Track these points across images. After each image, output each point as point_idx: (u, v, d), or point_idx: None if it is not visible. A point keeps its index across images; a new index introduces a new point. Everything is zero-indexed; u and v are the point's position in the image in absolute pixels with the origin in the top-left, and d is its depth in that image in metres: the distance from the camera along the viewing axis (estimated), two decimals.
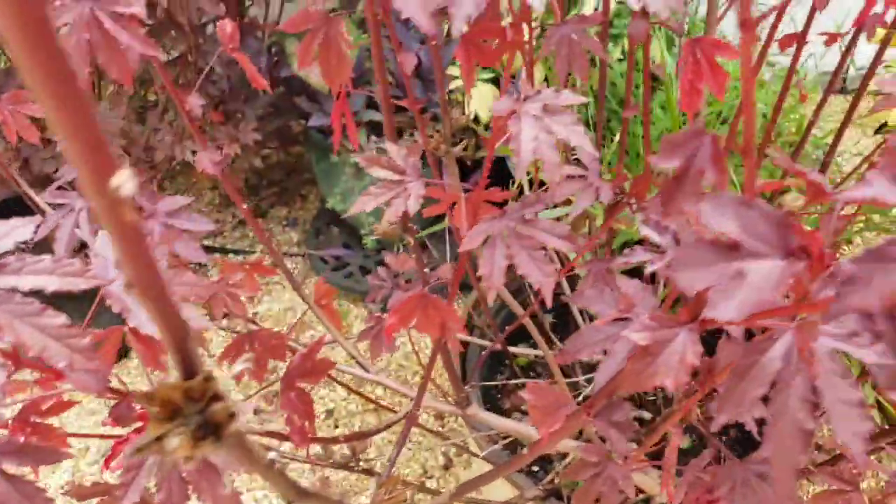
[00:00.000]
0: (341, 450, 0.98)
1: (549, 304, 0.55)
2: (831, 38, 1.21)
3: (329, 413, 1.75)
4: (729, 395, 0.40)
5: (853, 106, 0.98)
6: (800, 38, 1.09)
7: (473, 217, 0.62)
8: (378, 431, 0.81)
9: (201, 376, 0.27)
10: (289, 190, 2.23)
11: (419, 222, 1.64)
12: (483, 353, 0.97)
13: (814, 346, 0.40)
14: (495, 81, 1.91)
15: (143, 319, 0.49)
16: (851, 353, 0.40)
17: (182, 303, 0.50)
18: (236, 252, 2.09)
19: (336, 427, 1.73)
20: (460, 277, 0.61)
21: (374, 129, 1.82)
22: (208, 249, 2.11)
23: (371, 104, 1.82)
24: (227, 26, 0.85)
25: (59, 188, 0.79)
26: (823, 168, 1.13)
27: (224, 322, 1.07)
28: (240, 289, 0.88)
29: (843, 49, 1.18)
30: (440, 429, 1.75)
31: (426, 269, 0.79)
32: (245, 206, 0.90)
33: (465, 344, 1.35)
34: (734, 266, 0.31)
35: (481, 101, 1.90)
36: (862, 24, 0.80)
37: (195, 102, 0.82)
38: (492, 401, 1.43)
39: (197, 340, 0.94)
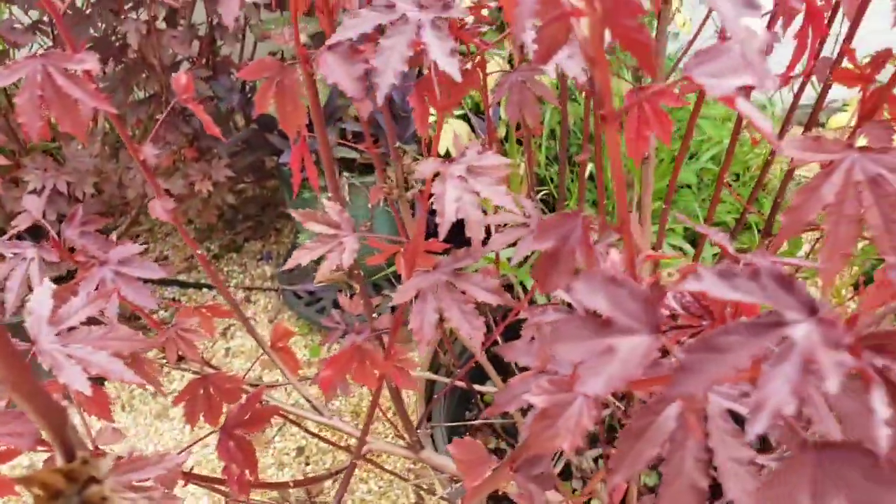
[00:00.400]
0: (297, 493, 0.98)
1: (478, 355, 0.56)
2: (785, 80, 1.25)
3: (300, 451, 1.74)
4: (624, 455, 0.41)
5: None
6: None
7: (411, 268, 0.64)
8: (328, 477, 0.82)
9: (80, 459, 0.28)
10: (264, 224, 2.24)
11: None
12: (436, 395, 0.98)
13: (706, 408, 0.42)
14: (467, 117, 1.94)
15: (73, 375, 0.50)
16: (742, 413, 0.41)
17: (112, 358, 0.51)
18: (210, 287, 2.10)
19: (307, 464, 1.72)
20: (398, 328, 0.63)
21: (347, 165, 1.85)
22: (182, 284, 2.12)
23: (344, 139, 1.85)
24: (182, 77, 0.87)
25: (12, 237, 0.80)
26: (774, 210, 1.17)
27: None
28: (194, 334, 0.89)
29: (796, 90, 1.23)
30: (413, 465, 1.74)
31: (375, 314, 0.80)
32: (200, 252, 0.92)
33: (432, 382, 1.36)
34: (606, 341, 0.33)
35: (452, 136, 1.93)
36: (796, 71, 0.83)
37: (149, 153, 0.84)
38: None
39: (154, 381, 0.94)
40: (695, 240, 1.64)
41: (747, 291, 0.26)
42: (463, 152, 0.56)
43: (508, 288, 1.53)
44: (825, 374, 0.23)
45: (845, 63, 0.91)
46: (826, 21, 0.79)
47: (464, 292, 0.58)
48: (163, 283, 2.12)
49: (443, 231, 0.50)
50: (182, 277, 2.15)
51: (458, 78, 0.47)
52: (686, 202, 1.59)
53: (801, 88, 1.17)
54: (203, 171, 1.79)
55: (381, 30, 0.55)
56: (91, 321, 0.65)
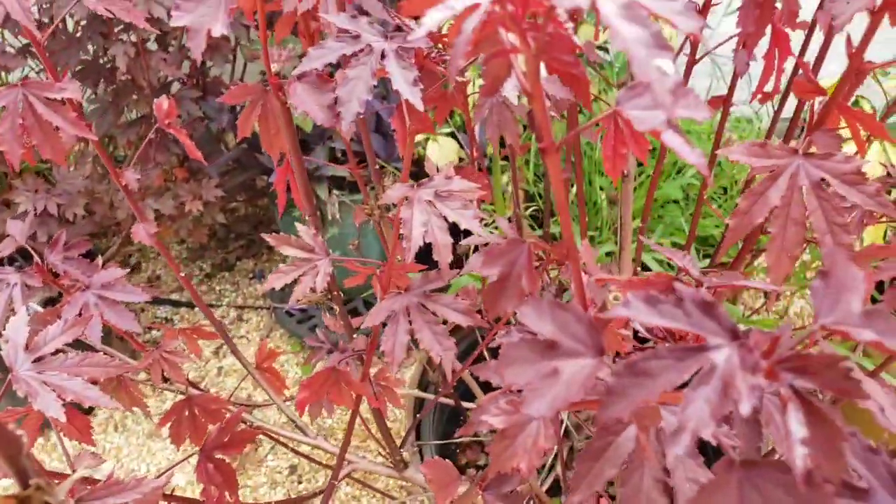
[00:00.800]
0: None
1: (449, 377, 0.57)
2: (764, 97, 1.27)
3: (293, 469, 1.74)
4: (583, 475, 0.42)
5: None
6: (725, 101, 1.15)
7: (385, 290, 0.65)
8: (312, 496, 0.82)
9: (33, 485, 0.29)
10: (255, 242, 2.25)
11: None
12: (420, 414, 0.99)
13: (664, 427, 0.43)
14: (455, 135, 1.96)
15: (47, 402, 0.51)
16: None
17: (87, 384, 0.52)
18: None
19: (300, 482, 1.72)
20: (374, 349, 0.64)
21: (337, 183, 1.86)
22: (175, 304, 2.12)
23: (332, 159, 1.86)
24: (164, 102, 0.88)
25: None
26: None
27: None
28: (178, 356, 0.89)
29: (776, 108, 1.25)
30: (405, 483, 1.74)
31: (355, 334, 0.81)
32: (182, 275, 0.93)
33: (423, 399, 1.37)
34: (551, 364, 0.34)
35: (441, 153, 1.95)
36: (763, 91, 0.85)
37: (131, 178, 0.85)
38: (450, 456, 1.44)
39: (140, 404, 0.95)
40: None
41: (672, 317, 0.28)
42: (431, 177, 0.57)
43: None
44: (740, 397, 0.24)
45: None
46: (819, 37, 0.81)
47: (435, 314, 0.59)
48: (156, 301, 2.12)
49: (409, 255, 0.51)
50: (175, 296, 2.16)
51: (419, 107, 0.48)
52: (672, 217, 1.60)
53: (782, 103, 1.19)
54: (193, 190, 1.80)
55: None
56: (78, 344, 0.66)
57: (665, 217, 1.62)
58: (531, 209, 1.85)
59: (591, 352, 0.34)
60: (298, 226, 0.64)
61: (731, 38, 0.71)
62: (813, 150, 0.58)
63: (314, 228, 0.73)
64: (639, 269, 1.04)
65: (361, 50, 0.52)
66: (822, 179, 0.52)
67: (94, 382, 0.53)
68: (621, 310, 0.28)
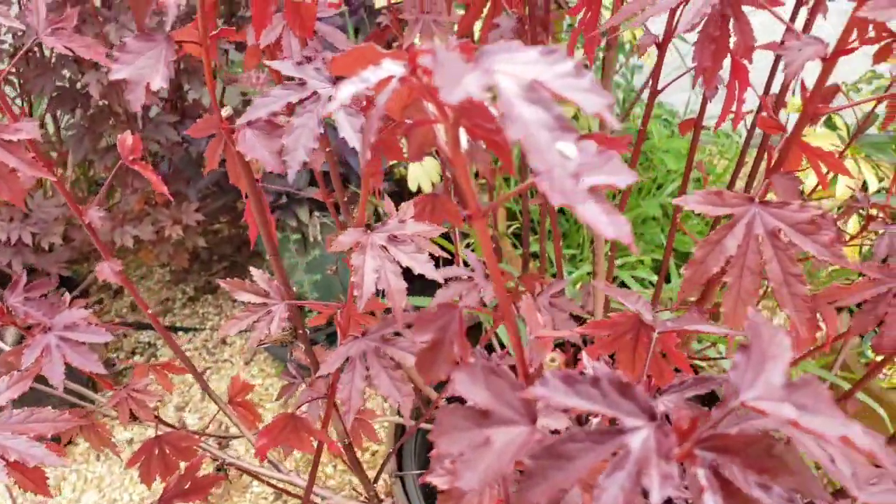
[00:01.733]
0: None
1: (407, 420, 0.57)
2: (737, 118, 1.27)
3: (278, 495, 1.73)
4: None
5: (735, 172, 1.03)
6: (696, 123, 1.15)
7: (345, 332, 0.64)
8: None
9: None
10: (239, 264, 2.24)
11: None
12: (393, 448, 0.98)
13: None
14: (437, 154, 1.96)
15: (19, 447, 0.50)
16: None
17: (33, 442, 0.51)
18: (185, 330, 2.09)
19: None
20: (334, 395, 0.63)
21: (318, 204, 1.86)
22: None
23: (314, 181, 1.86)
24: (128, 139, 0.88)
25: None
26: None
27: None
28: (147, 394, 0.88)
29: (749, 127, 1.25)
30: None
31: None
32: (150, 311, 0.92)
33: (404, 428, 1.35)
34: (484, 433, 0.33)
35: (423, 172, 1.95)
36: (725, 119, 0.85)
37: (94, 216, 0.84)
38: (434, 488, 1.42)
39: (108, 444, 0.93)
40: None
41: (589, 398, 0.27)
42: (385, 221, 0.56)
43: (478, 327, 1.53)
44: (652, 486, 0.23)
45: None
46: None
47: (393, 358, 0.58)
48: (139, 326, 2.11)
49: (361, 303, 0.51)
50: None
51: (367, 155, 0.48)
52: (652, 234, 1.60)
53: (752, 130, 1.19)
54: (173, 215, 1.79)
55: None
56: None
57: (645, 234, 1.62)
58: (512, 227, 1.85)
59: (525, 420, 0.33)
60: (252, 270, 0.64)
61: (688, 70, 0.70)
62: (771, 195, 0.58)
63: (277, 268, 0.72)
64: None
65: (307, 97, 0.52)
66: (778, 228, 0.52)
67: (41, 438, 0.52)
68: (539, 389, 0.27)
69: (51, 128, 1.94)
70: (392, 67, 0.29)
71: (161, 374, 0.98)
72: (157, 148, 1.75)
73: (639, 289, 1.47)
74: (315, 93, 0.52)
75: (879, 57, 0.95)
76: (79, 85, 1.71)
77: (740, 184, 1.91)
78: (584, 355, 0.47)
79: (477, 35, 1.06)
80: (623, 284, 1.52)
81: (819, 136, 1.44)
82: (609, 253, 1.02)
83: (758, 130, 1.14)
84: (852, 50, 0.50)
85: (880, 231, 0.82)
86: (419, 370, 0.36)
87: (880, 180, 1.45)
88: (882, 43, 1.01)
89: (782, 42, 0.61)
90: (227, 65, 1.93)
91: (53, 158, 1.90)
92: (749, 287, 0.52)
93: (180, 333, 2.09)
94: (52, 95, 1.66)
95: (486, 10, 0.99)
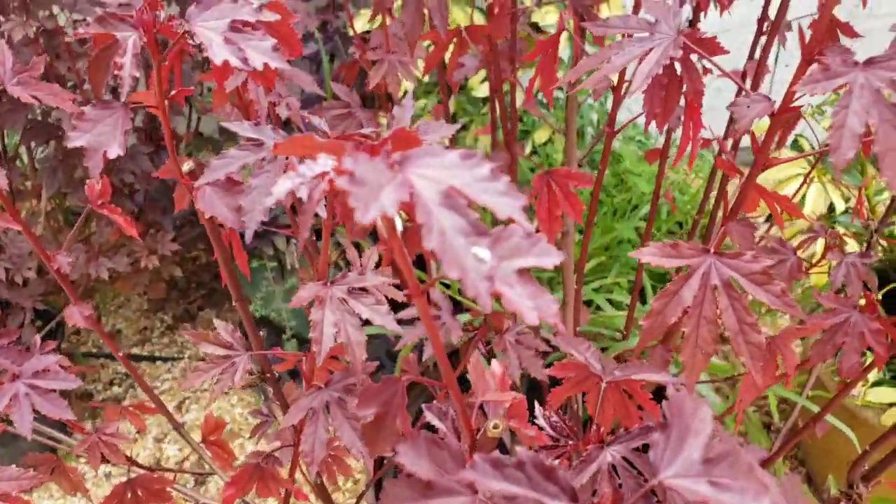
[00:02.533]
0: None
1: (370, 467, 0.57)
2: (705, 143, 1.30)
3: None
4: None
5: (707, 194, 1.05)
6: (662, 153, 1.17)
7: (309, 381, 0.65)
8: None
9: None
10: (217, 291, 2.24)
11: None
12: (370, 480, 0.98)
13: None
14: None
15: None
16: None
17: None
18: (164, 359, 2.08)
19: None
20: (299, 445, 0.64)
21: None
22: (135, 358, 2.10)
23: (293, 208, 1.86)
24: (97, 184, 0.88)
25: None
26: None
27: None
28: (118, 437, 0.88)
29: (715, 154, 1.28)
30: None
31: None
32: (121, 354, 0.92)
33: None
34: None
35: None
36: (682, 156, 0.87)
37: (63, 262, 0.84)
38: None
39: (80, 488, 0.93)
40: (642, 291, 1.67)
41: (516, 482, 0.28)
42: (345, 273, 0.57)
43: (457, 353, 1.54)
44: None
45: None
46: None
47: (350, 409, 0.59)
48: (115, 357, 2.09)
49: (319, 359, 0.51)
50: (136, 350, 2.14)
51: (304, 235, 0.49)
52: (627, 256, 1.62)
53: (713, 174, 1.23)
54: (149, 245, 1.79)
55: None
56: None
57: (620, 257, 1.64)
58: None
59: (467, 490, 0.34)
60: (216, 321, 0.64)
61: (637, 116, 0.72)
62: (729, 241, 0.59)
63: (243, 314, 0.73)
64: (578, 325, 1.05)
65: (265, 158, 0.53)
66: (733, 278, 0.53)
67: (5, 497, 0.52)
68: (470, 473, 0.28)
69: (25, 159, 1.93)
70: (325, 163, 0.30)
71: (133, 416, 0.98)
72: (132, 179, 1.75)
73: (613, 311, 1.48)
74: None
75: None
76: (51, 118, 1.71)
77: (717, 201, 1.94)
78: (538, 411, 0.48)
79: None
80: (598, 308, 1.53)
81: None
82: (576, 280, 1.04)
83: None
84: (797, 109, 0.52)
85: (835, 261, 0.84)
86: (365, 443, 0.37)
87: (846, 201, 1.48)
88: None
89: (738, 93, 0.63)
90: (201, 94, 1.94)
91: (27, 190, 1.89)
92: (707, 336, 0.53)
93: (159, 363, 2.08)
94: (25, 128, 1.65)
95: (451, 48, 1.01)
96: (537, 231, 1.03)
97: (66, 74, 1.57)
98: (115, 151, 0.49)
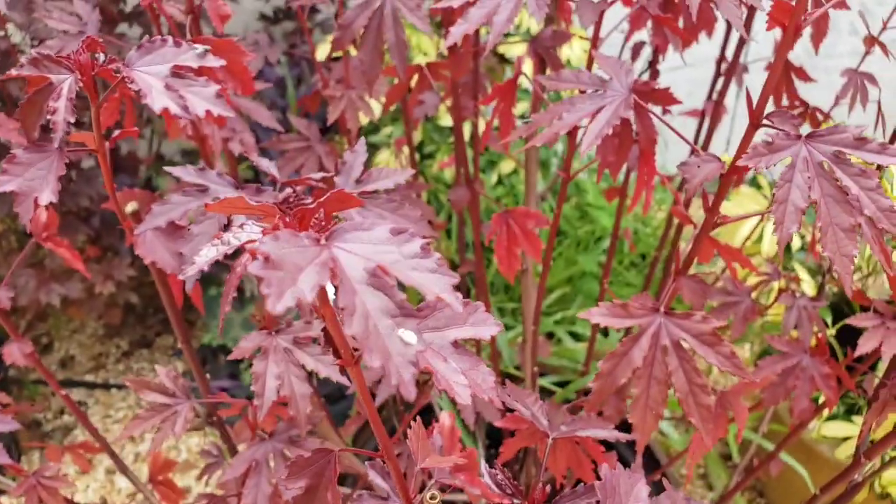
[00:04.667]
0: None
1: None
2: (646, 205, 1.31)
3: None
4: None
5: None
6: (621, 192, 1.18)
7: (253, 431, 0.63)
8: None
9: None
10: None
11: None
12: None
13: None
14: None
15: None
16: None
17: None
18: (119, 387, 2.02)
19: None
20: (241, 496, 0.61)
21: None
22: (89, 385, 2.03)
23: None
24: (42, 215, 0.85)
25: None
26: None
27: None
28: (58, 481, 0.84)
29: (676, 188, 1.30)
30: None
31: None
32: (63, 393, 0.88)
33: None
34: None
35: None
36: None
37: (3, 296, 0.81)
38: None
39: None
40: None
41: None
42: (290, 321, 0.56)
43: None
44: None
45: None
46: None
47: None
48: (69, 384, 2.02)
49: (261, 413, 0.50)
50: (90, 377, 2.07)
51: (226, 309, 0.47)
52: (590, 288, 1.63)
53: (669, 221, 1.25)
54: (104, 271, 1.74)
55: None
56: None
57: (583, 289, 1.64)
58: None
59: None
60: (158, 368, 0.62)
61: (591, 163, 0.73)
62: (680, 296, 0.59)
63: (189, 357, 0.71)
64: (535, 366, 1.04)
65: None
66: (683, 339, 0.53)
67: None
68: None
69: None
70: (252, 232, 0.29)
71: (78, 456, 0.94)
72: (87, 202, 1.71)
73: (573, 345, 1.48)
74: (217, 198, 0.51)
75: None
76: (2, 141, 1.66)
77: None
78: (483, 468, 0.47)
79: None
80: (559, 341, 1.53)
81: (744, 196, 1.50)
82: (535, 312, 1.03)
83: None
84: (746, 169, 0.52)
85: (787, 305, 0.85)
86: None
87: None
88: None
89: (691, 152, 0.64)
90: (160, 116, 1.91)
91: None
92: (657, 397, 0.53)
93: (114, 391, 2.01)
94: None
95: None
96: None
97: (20, 95, 1.53)
98: (47, 198, 0.47)
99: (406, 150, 1.25)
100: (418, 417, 0.41)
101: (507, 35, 1.91)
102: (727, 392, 0.68)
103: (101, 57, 0.46)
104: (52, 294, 1.63)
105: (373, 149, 1.81)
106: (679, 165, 0.58)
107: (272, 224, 0.28)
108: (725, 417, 0.68)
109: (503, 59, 1.96)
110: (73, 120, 0.44)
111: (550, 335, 1.56)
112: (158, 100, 0.43)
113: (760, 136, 0.57)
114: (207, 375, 0.79)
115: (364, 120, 1.36)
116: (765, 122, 0.55)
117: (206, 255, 0.29)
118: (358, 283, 0.25)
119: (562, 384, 1.42)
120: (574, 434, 0.50)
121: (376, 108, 1.14)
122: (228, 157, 0.82)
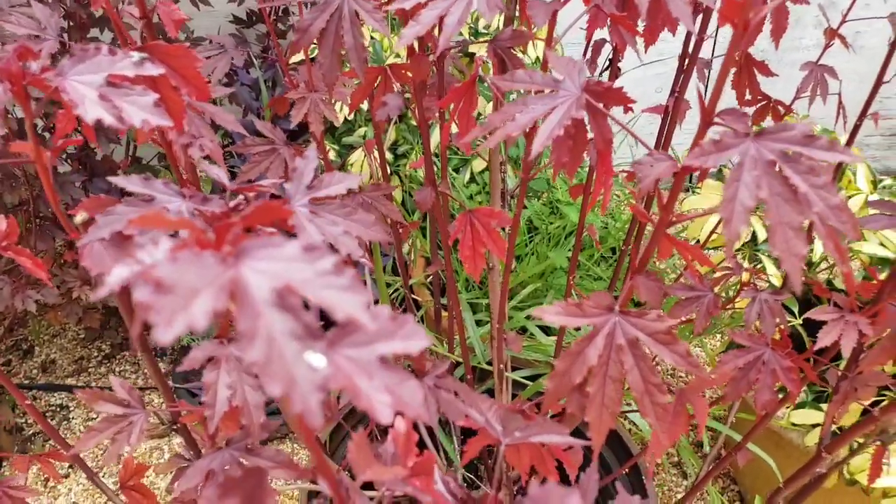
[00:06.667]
0: None
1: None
2: (604, 204, 1.32)
3: None
4: None
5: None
6: (585, 189, 1.19)
7: (212, 440, 0.63)
8: None
9: None
10: None
11: None
12: None
13: None
14: None
15: None
16: None
17: None
18: (100, 388, 2.00)
19: None
20: None
21: None
22: (70, 389, 2.02)
23: None
24: (2, 223, 0.84)
25: None
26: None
27: None
28: (25, 491, 0.84)
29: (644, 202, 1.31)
30: None
31: None
32: (28, 402, 0.88)
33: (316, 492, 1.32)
34: None
35: None
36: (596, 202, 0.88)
37: None
38: None
39: None
40: None
41: None
42: None
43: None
44: None
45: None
46: None
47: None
48: (50, 388, 2.01)
49: (211, 425, 0.49)
50: (70, 381, 2.06)
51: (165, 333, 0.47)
52: (560, 282, 1.63)
53: (648, 203, 1.25)
54: (81, 275, 1.73)
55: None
56: None
57: (554, 284, 1.65)
58: (430, 277, 1.86)
59: None
60: (113, 379, 0.62)
61: (546, 164, 0.73)
62: (636, 296, 0.59)
63: (150, 365, 0.70)
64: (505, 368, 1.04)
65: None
66: (638, 338, 0.53)
67: None
68: None
69: None
70: (164, 249, 0.29)
71: (47, 465, 0.93)
72: (62, 207, 1.69)
73: (545, 339, 1.49)
74: (164, 208, 0.51)
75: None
76: None
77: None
78: (436, 476, 0.47)
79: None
80: (532, 335, 1.54)
81: (710, 188, 1.50)
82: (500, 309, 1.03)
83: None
84: (699, 168, 0.52)
85: (749, 298, 0.86)
86: None
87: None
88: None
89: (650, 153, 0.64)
90: None
91: None
92: (613, 395, 0.53)
93: None
94: None
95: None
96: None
97: None
98: None
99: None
100: (360, 438, 0.41)
101: (477, 35, 1.91)
102: (686, 389, 0.68)
103: (34, 66, 0.45)
104: (28, 300, 1.62)
105: (348, 149, 1.81)
106: (632, 164, 0.58)
107: (181, 242, 0.28)
108: (685, 414, 0.69)
109: (473, 59, 1.96)
110: (3, 132, 0.43)
111: (523, 330, 1.57)
112: (91, 110, 0.42)
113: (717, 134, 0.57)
114: (173, 380, 0.79)
115: (340, 121, 1.36)
116: (716, 119, 0.55)
117: (119, 274, 0.29)
118: (263, 304, 0.25)
119: (533, 378, 1.43)
120: (527, 440, 0.50)
121: (345, 109, 1.13)
122: (186, 164, 0.81)
